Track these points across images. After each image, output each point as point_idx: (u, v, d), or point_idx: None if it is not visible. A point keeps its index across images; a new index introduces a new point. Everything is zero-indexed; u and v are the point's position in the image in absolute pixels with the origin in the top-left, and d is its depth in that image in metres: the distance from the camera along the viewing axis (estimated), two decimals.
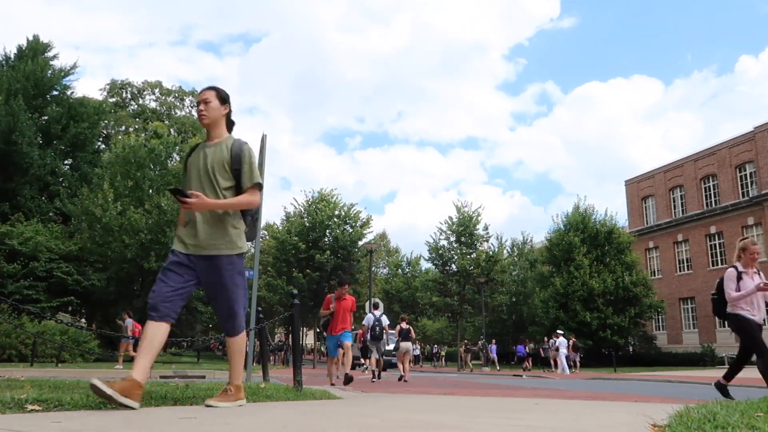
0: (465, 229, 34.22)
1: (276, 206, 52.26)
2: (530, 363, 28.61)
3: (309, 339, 52.07)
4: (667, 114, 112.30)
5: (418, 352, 37.76)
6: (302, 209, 35.94)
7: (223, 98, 3.63)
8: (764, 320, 6.43)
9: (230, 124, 3.72)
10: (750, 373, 7.09)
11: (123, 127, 37.84)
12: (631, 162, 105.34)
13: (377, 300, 14.77)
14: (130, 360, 20.00)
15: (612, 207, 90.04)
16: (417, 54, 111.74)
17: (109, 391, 2.89)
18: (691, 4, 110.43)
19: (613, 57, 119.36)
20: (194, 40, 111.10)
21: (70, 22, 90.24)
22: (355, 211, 35.72)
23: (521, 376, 21.67)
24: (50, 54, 30.44)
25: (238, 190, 3.51)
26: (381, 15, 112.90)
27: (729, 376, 6.55)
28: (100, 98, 38.04)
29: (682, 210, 37.31)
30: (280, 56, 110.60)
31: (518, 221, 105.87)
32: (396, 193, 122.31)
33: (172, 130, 37.31)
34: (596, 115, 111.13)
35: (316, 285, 33.04)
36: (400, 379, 13.40)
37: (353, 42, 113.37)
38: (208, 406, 3.39)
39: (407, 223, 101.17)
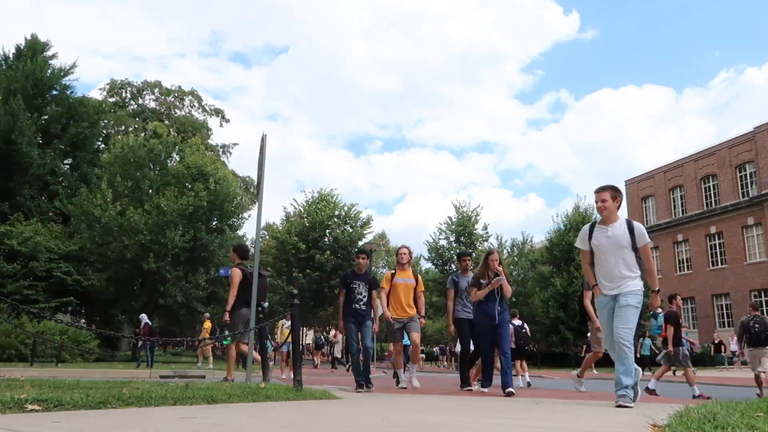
0: (464, 228, 34.23)
1: (277, 206, 52.31)
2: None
3: (308, 339, 52.27)
4: (677, 120, 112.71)
5: None
6: (302, 209, 35.94)
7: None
8: None
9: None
10: (750, 374, 7.08)
11: (123, 127, 37.80)
12: (639, 166, 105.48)
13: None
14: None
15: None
16: (438, 64, 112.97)
17: None
18: (702, 15, 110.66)
19: (625, 66, 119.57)
20: (224, 51, 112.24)
21: (100, 32, 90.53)
22: (355, 212, 35.74)
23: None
24: (49, 53, 30.37)
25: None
26: (405, 27, 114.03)
27: None
28: (100, 98, 38.02)
29: (682, 210, 37.30)
30: (305, 65, 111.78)
31: (533, 224, 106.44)
32: (410, 195, 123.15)
33: (171, 129, 37.29)
34: (606, 120, 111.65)
35: (316, 285, 33.03)
36: None
37: (376, 51, 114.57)
38: None
39: (419, 225, 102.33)
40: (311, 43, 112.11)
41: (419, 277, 8.00)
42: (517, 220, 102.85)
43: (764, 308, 31.48)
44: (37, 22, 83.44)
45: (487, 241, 35.48)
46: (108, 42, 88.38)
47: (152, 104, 44.68)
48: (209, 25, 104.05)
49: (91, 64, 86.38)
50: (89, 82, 78.75)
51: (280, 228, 37.18)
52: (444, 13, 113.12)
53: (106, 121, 35.18)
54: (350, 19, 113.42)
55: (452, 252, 34.64)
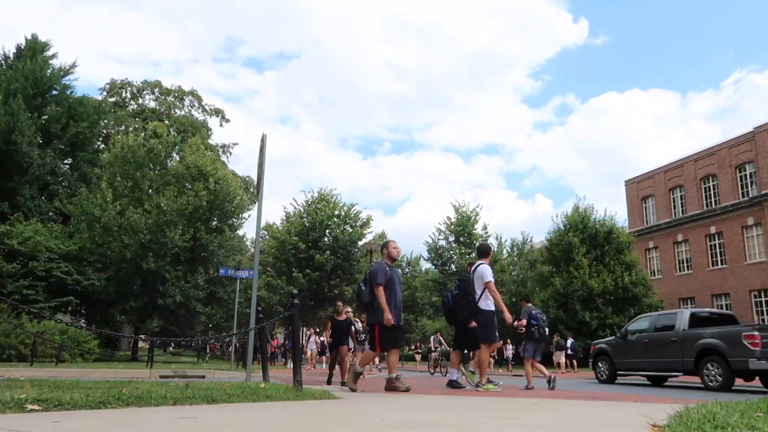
0: (463, 228, 34.23)
1: (277, 206, 52.55)
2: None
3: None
4: (683, 123, 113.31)
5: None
6: (302, 209, 35.95)
7: None
8: None
9: None
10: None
11: (122, 127, 37.80)
12: (644, 168, 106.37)
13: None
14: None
15: (620, 209, 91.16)
16: (449, 69, 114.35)
17: None
18: (708, 18, 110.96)
19: (630, 71, 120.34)
20: (239, 56, 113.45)
21: (117, 37, 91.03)
22: (354, 212, 35.75)
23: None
24: (49, 53, 30.39)
25: None
26: (417, 33, 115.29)
27: None
28: (100, 98, 38.03)
29: (682, 210, 37.29)
30: (317, 70, 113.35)
31: (541, 224, 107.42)
32: (415, 196, 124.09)
33: (171, 129, 37.29)
34: (611, 123, 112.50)
35: (316, 285, 33.03)
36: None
37: (388, 56, 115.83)
38: None
39: (422, 225, 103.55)
40: (324, 49, 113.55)
41: None
42: (525, 221, 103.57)
43: (764, 308, 31.47)
44: (55, 26, 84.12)
45: (486, 241, 35.48)
46: (125, 47, 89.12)
47: (152, 104, 44.70)
48: (225, 31, 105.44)
49: (107, 69, 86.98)
50: (103, 86, 79.43)
51: (280, 228, 37.18)
52: (456, 19, 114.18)
53: (105, 121, 35.19)
54: (363, 26, 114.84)
55: (451, 252, 34.64)
